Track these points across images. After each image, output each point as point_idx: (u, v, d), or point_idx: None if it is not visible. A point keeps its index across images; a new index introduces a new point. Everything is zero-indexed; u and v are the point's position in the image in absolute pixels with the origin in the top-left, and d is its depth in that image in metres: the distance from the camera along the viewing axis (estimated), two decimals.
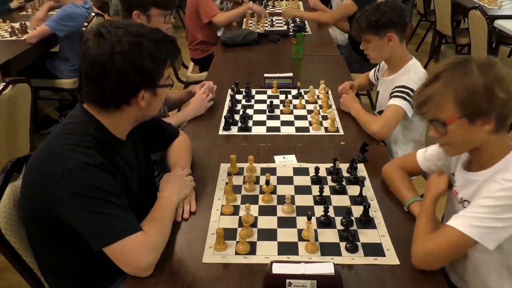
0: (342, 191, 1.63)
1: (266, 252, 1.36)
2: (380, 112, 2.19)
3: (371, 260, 1.32)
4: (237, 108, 2.28)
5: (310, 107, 2.30)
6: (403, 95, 2.02)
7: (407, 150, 2.20)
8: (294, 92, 2.45)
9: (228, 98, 2.40)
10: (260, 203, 1.58)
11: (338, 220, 1.48)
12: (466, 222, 1.24)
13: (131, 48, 1.28)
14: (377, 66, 2.47)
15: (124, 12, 2.24)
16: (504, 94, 1.23)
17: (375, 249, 1.36)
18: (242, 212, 1.51)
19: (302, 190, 1.65)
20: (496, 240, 1.23)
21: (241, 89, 2.47)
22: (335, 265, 1.22)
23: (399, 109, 2.01)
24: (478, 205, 1.25)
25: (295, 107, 2.30)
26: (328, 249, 1.37)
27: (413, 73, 2.09)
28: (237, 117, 2.18)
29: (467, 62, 1.28)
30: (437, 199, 1.41)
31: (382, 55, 2.18)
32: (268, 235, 1.43)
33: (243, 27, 3.75)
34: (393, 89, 2.08)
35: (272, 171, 1.75)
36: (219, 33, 4.10)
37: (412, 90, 2.01)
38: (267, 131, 2.10)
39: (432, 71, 1.35)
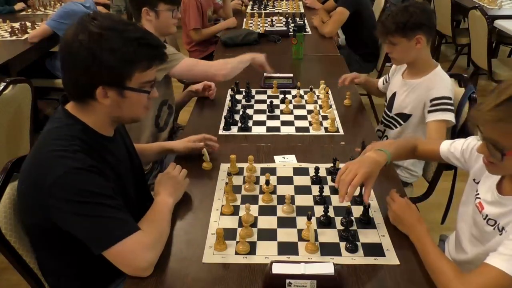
0: None
1: (266, 252, 1.36)
2: (399, 115, 2.14)
3: (371, 260, 1.32)
4: (237, 108, 2.27)
5: (310, 107, 2.30)
6: (445, 106, 1.94)
7: None
8: (294, 92, 2.45)
9: (228, 98, 2.40)
10: (260, 203, 1.58)
11: (338, 220, 1.48)
12: (508, 260, 1.13)
13: (91, 39, 1.24)
14: (385, 76, 2.39)
15: (134, 10, 2.25)
16: None
17: (375, 249, 1.36)
18: (242, 212, 1.51)
19: (302, 190, 1.65)
20: None
21: (241, 89, 2.47)
22: (335, 265, 1.22)
23: (446, 123, 1.95)
24: None
25: (295, 107, 2.30)
26: (328, 249, 1.37)
27: (446, 80, 2.02)
28: (237, 117, 2.18)
29: None
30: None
31: (408, 58, 2.07)
32: (268, 235, 1.43)
33: (243, 27, 3.75)
34: (431, 102, 1.97)
35: (272, 171, 1.75)
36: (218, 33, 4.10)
37: (449, 98, 1.96)
38: (267, 131, 2.10)
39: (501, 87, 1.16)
